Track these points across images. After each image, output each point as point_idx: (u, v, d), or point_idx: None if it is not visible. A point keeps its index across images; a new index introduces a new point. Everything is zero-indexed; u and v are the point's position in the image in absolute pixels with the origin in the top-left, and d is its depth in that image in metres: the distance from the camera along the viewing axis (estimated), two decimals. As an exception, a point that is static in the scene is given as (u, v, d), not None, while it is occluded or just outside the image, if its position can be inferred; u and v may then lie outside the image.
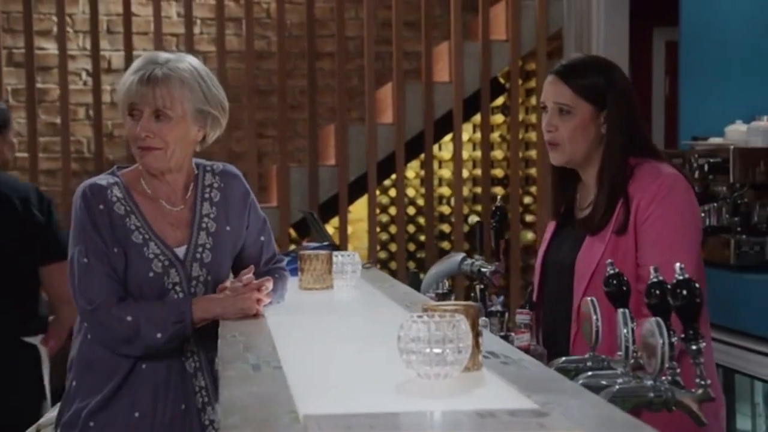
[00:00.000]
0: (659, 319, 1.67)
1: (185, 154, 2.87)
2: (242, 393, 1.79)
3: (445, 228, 7.63)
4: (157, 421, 2.82)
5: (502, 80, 7.41)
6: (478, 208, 7.57)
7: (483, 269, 3.29)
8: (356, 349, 2.30)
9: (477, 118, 7.42)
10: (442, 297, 3.22)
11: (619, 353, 1.86)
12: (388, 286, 3.38)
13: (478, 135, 7.73)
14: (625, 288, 2.00)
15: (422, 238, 7.35)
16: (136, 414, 2.81)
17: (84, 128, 7.21)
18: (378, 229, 7.14)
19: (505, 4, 6.92)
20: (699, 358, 1.66)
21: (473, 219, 7.59)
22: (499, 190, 7.57)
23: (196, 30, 7.20)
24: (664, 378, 1.72)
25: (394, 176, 6.91)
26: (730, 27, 5.22)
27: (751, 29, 5.16)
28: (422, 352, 1.80)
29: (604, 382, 1.85)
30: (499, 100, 7.62)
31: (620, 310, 1.87)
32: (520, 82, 7.19)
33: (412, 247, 7.51)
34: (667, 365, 1.67)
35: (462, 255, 3.44)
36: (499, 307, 2.87)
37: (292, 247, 5.74)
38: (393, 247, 7.27)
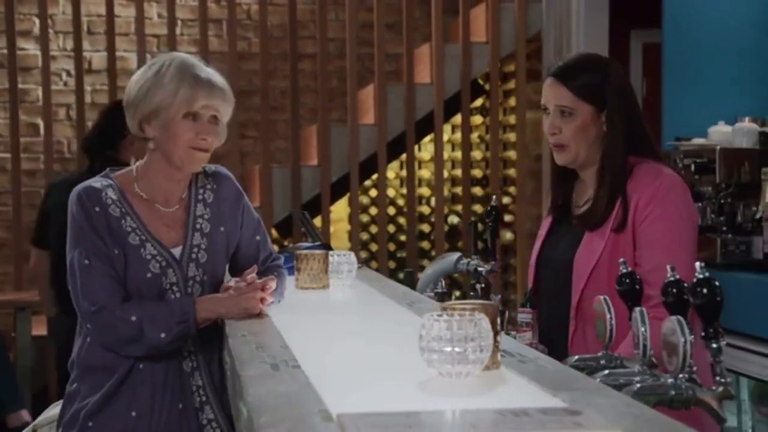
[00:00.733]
0: (680, 317, 1.71)
1: None
2: (267, 392, 1.80)
3: (425, 228, 7.68)
4: (154, 420, 2.83)
5: (480, 82, 7.46)
6: (458, 208, 7.62)
7: (479, 268, 3.33)
8: (369, 348, 2.31)
9: (455, 119, 7.48)
10: (441, 296, 3.26)
11: (636, 351, 1.89)
12: (384, 285, 3.41)
13: (457, 136, 7.79)
14: (638, 287, 2.03)
15: (402, 238, 7.39)
16: (134, 413, 2.82)
17: (64, 128, 7.20)
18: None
19: (485, 6, 6.97)
20: (719, 357, 1.69)
21: (453, 219, 7.64)
22: (477, 191, 7.62)
23: (177, 31, 7.20)
24: (681, 376, 1.76)
25: (374, 177, 6.95)
26: (712, 29, 5.29)
27: (732, 31, 5.24)
28: (444, 351, 1.80)
29: (621, 381, 1.88)
30: (477, 102, 7.67)
31: (637, 309, 1.90)
32: (499, 83, 7.24)
33: (392, 246, 7.54)
34: (688, 363, 1.70)
35: (458, 255, 3.48)
36: (498, 306, 2.89)
37: (275, 248, 5.76)
38: (373, 247, 7.30)
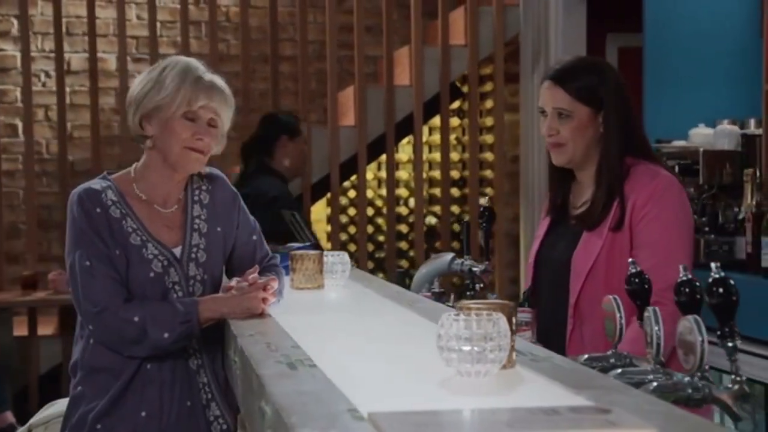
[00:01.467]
0: (697, 316, 1.76)
1: None
2: (291, 392, 1.79)
3: (403, 228, 7.72)
4: (164, 419, 2.86)
5: (457, 84, 7.51)
6: (435, 209, 7.68)
7: (474, 269, 3.37)
8: (379, 347, 2.33)
9: (432, 121, 7.54)
10: (438, 296, 3.30)
11: (649, 350, 1.94)
12: (378, 286, 3.44)
13: (434, 138, 7.84)
14: (646, 286, 2.07)
15: (381, 238, 7.44)
16: (143, 414, 2.84)
17: (43, 129, 7.19)
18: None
19: (463, 9, 7.03)
20: (734, 356, 1.74)
21: (430, 220, 7.69)
22: (454, 192, 7.67)
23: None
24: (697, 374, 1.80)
25: (353, 178, 6.98)
26: (692, 33, 5.38)
27: (712, 35, 5.33)
28: (463, 350, 1.82)
29: (635, 379, 1.91)
30: (454, 104, 7.72)
31: (650, 308, 1.95)
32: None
33: (370, 247, 7.58)
34: (705, 362, 1.74)
35: (451, 255, 3.52)
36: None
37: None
38: (352, 248, 7.33)
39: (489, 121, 7.49)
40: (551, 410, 1.55)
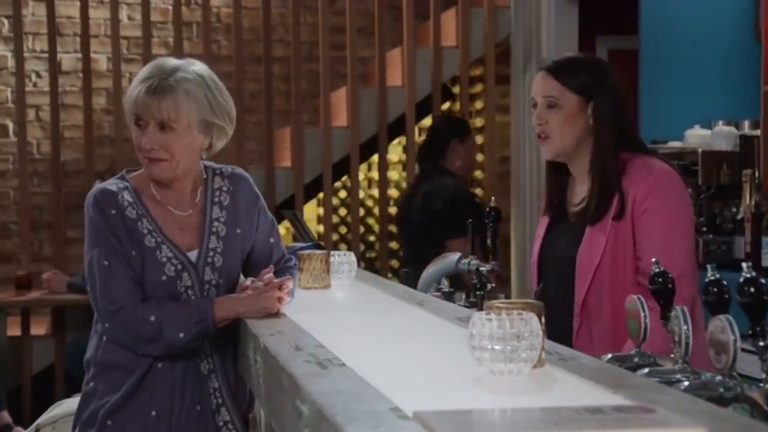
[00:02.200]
0: (728, 316, 1.79)
1: (191, 163, 2.88)
2: (328, 391, 1.79)
3: (392, 228, 7.74)
4: (173, 420, 2.85)
5: (447, 85, 7.55)
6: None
7: (481, 268, 3.38)
8: (400, 346, 2.33)
9: (420, 122, 7.56)
10: (448, 296, 3.32)
11: (678, 349, 1.96)
12: (384, 285, 3.45)
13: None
14: (670, 285, 2.10)
15: (371, 238, 7.47)
16: (154, 413, 2.84)
17: (34, 129, 7.18)
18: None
19: (455, 11, 7.06)
20: (765, 354, 1.77)
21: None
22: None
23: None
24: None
25: (344, 178, 7.01)
26: (687, 35, 5.42)
27: (707, 37, 5.38)
28: (496, 349, 1.82)
29: (664, 379, 1.93)
30: (444, 105, 7.74)
31: (678, 308, 1.97)
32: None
33: (360, 247, 7.60)
34: (737, 361, 1.77)
35: (458, 255, 3.53)
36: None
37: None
38: (343, 248, 7.36)
39: (478, 122, 7.53)
40: (595, 409, 1.54)
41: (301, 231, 4.25)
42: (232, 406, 2.91)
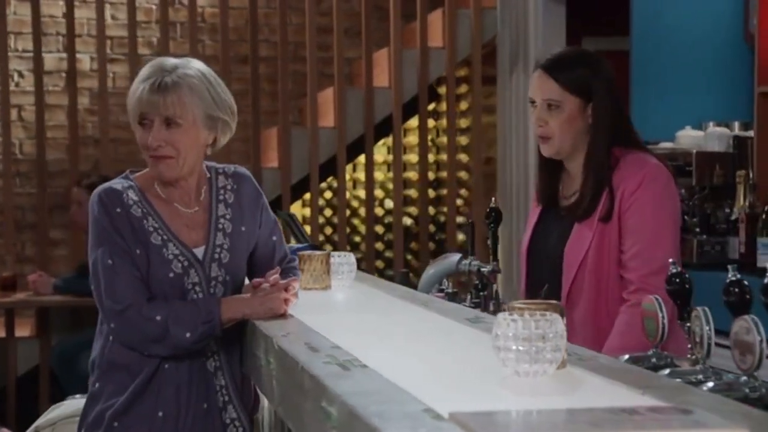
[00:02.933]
0: (754, 316, 1.80)
1: (197, 159, 2.88)
2: (356, 392, 1.77)
3: (378, 229, 7.75)
4: (180, 421, 2.84)
5: (433, 86, 7.55)
6: (410, 210, 7.71)
7: (482, 269, 3.39)
8: (417, 347, 2.32)
9: (407, 123, 7.57)
10: (452, 296, 3.33)
11: (699, 350, 1.97)
12: (384, 286, 3.44)
13: (408, 139, 7.87)
14: (688, 286, 2.11)
15: (357, 239, 7.46)
16: (160, 414, 2.83)
17: (16, 129, 7.12)
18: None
19: (441, 12, 7.07)
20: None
21: (405, 221, 7.71)
22: (430, 192, 7.71)
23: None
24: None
25: (329, 179, 7.01)
26: (678, 37, 5.45)
27: (698, 39, 5.41)
28: (521, 350, 1.82)
29: (686, 380, 1.94)
30: (429, 106, 7.75)
31: (700, 308, 1.99)
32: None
33: (346, 248, 7.60)
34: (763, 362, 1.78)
35: (459, 255, 3.54)
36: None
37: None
38: (328, 249, 7.34)
39: (463, 123, 7.54)
40: (631, 410, 1.54)
41: (296, 232, 4.24)
42: (239, 403, 2.91)
